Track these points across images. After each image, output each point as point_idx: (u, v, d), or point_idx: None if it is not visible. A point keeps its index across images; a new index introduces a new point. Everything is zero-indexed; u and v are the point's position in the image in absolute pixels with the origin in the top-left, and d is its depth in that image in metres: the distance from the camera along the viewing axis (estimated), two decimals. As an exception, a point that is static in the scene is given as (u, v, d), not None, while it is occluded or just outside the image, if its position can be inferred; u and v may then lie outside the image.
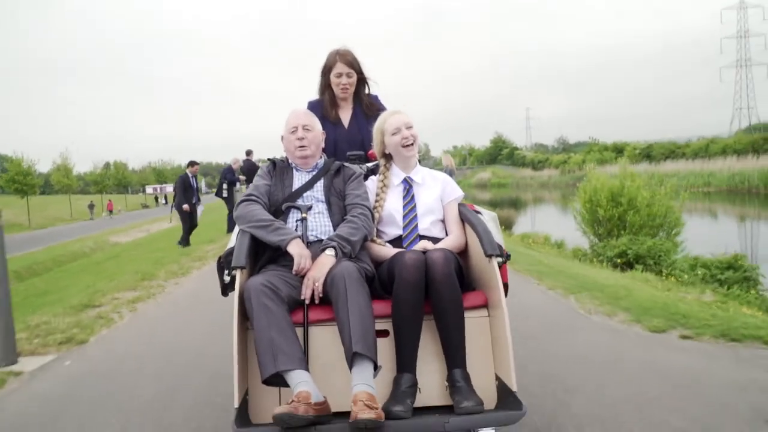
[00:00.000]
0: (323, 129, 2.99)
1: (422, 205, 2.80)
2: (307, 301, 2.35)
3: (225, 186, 14.03)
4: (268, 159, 2.98)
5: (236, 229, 2.69)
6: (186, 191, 12.56)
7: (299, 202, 2.72)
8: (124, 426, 2.99)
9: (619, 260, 8.61)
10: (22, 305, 7.11)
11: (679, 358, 3.68)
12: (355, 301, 2.24)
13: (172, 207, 13.51)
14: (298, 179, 2.81)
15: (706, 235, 15.14)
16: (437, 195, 2.84)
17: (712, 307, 5.17)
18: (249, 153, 14.73)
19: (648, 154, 51.94)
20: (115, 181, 62.64)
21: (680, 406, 2.94)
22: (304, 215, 2.66)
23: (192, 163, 13.14)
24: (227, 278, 2.42)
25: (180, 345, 4.46)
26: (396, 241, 2.75)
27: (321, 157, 2.93)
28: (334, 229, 2.63)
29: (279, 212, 2.68)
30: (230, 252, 2.45)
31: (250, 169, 14.14)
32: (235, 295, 2.30)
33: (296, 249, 2.44)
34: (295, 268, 2.41)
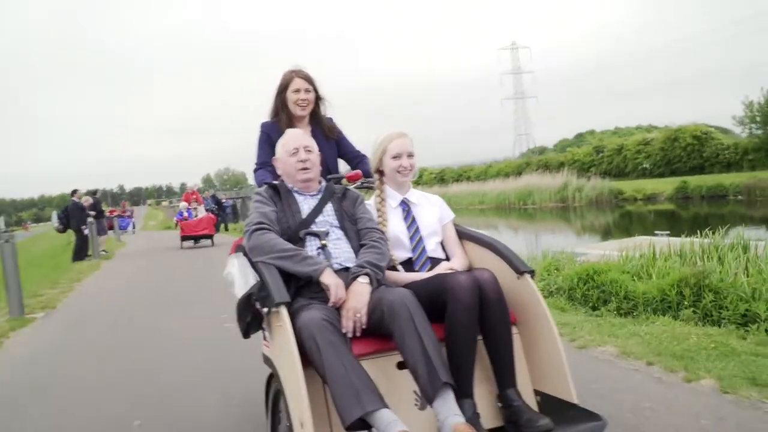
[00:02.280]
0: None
1: (425, 226, 2.78)
2: (349, 335, 2.23)
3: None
4: (265, 183, 2.81)
5: (235, 261, 2.60)
6: (81, 214, 15.52)
7: (313, 228, 2.60)
8: (100, 326, 6.65)
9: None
10: None
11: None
12: (425, 331, 2.15)
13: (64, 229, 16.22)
14: (305, 204, 2.69)
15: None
16: (437, 216, 2.86)
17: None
18: (95, 193, 17.78)
19: (441, 177, 59.97)
20: None
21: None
22: (323, 242, 2.54)
23: (75, 191, 16.12)
24: (247, 318, 2.41)
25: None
26: (405, 264, 2.71)
27: (320, 181, 2.82)
28: (355, 255, 2.55)
29: (294, 240, 2.53)
30: (261, 287, 2.32)
31: (95, 206, 17.22)
32: (287, 333, 2.11)
33: (331, 279, 2.33)
34: (332, 299, 2.29)
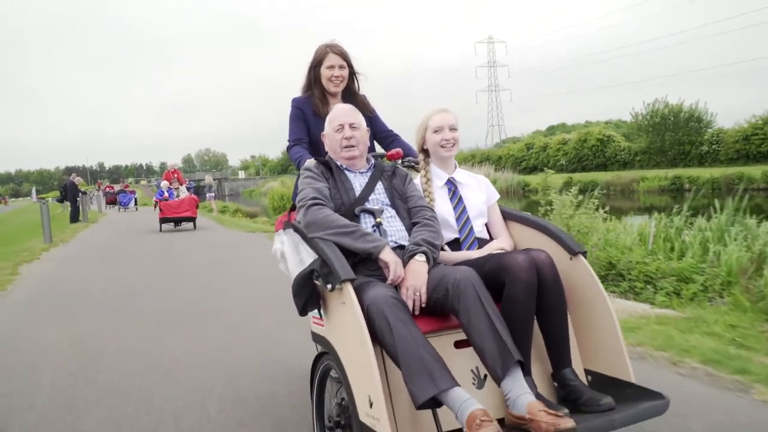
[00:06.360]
0: (314, 127, 2.97)
1: (473, 207, 2.75)
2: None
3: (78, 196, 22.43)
4: (315, 159, 2.79)
5: (285, 238, 2.64)
6: (75, 190, 21.67)
7: (367, 206, 2.57)
8: (92, 248, 12.72)
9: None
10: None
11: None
12: (492, 309, 2.13)
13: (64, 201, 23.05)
14: (356, 181, 2.66)
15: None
16: (485, 197, 2.83)
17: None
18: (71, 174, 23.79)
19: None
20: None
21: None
22: (379, 220, 2.52)
23: (72, 173, 22.69)
24: (305, 295, 2.38)
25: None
26: (451, 245, 2.69)
27: (368, 159, 2.78)
28: (407, 234, 2.53)
29: (348, 217, 2.49)
30: (323, 264, 2.28)
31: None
32: (354, 310, 2.09)
33: (390, 256, 2.32)
34: (391, 276, 2.29)
